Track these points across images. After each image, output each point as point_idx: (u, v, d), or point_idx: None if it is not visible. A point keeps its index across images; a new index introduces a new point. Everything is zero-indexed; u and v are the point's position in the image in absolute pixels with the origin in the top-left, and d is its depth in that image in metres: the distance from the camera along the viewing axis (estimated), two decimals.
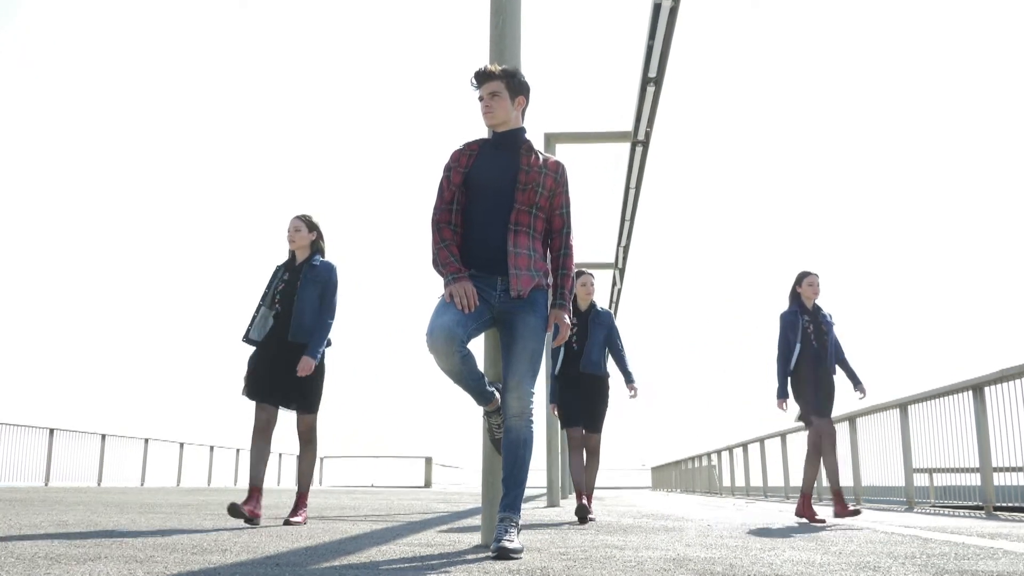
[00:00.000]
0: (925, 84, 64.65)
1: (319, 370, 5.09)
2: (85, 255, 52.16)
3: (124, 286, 55.32)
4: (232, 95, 62.76)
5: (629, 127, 11.49)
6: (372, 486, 30.29)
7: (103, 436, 19.09)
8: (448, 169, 3.37)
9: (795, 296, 6.46)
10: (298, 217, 5.27)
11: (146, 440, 20.95)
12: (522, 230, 3.27)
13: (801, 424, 6.51)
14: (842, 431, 11.02)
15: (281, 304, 5.07)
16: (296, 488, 5.38)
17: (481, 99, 3.37)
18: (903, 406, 10.00)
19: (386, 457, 32.76)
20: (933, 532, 4.83)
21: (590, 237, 16.76)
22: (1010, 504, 8.04)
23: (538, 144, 4.29)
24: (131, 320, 53.93)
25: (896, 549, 3.60)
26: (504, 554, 2.96)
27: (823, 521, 6.10)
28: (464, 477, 40.14)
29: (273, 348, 5.00)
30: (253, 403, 4.99)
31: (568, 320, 3.35)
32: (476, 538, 3.95)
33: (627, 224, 15.18)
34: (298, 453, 5.35)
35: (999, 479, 7.99)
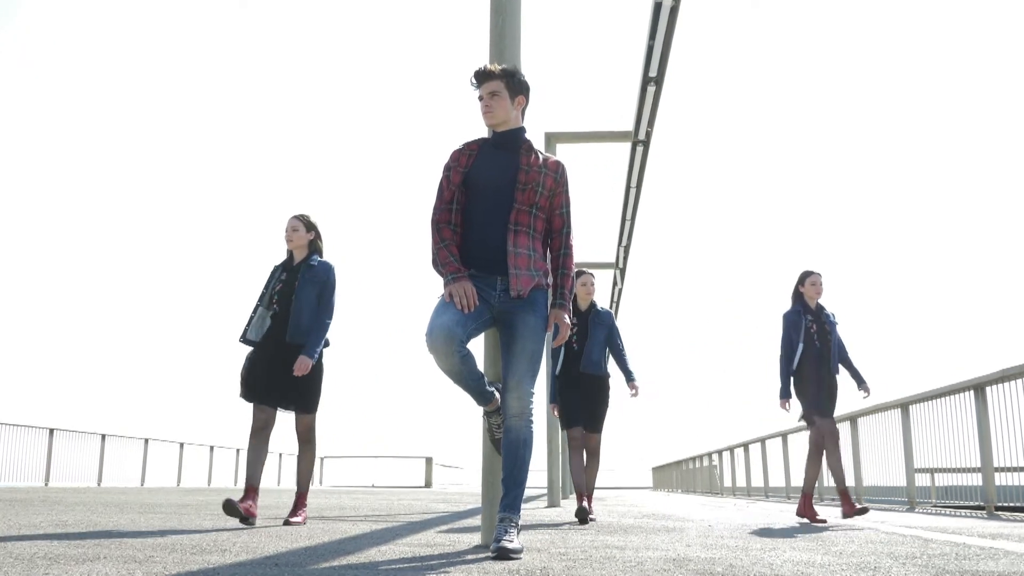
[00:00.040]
0: (926, 84, 64.67)
1: (317, 370, 5.07)
2: (85, 255, 52.21)
3: (124, 286, 55.37)
4: (232, 95, 62.80)
5: (630, 127, 11.48)
6: (372, 486, 30.30)
7: (103, 436, 19.07)
8: (448, 169, 3.36)
9: (798, 296, 6.44)
10: (296, 217, 5.25)
11: (146, 440, 20.94)
12: (522, 230, 3.26)
13: (803, 424, 6.50)
14: (843, 431, 11.00)
15: (279, 304, 5.04)
16: (296, 488, 5.37)
17: (481, 99, 3.35)
18: (904, 406, 9.98)
19: (386, 457, 32.77)
20: (934, 532, 4.82)
21: (591, 237, 16.77)
22: (1012, 504, 8.03)
23: (538, 144, 4.28)
24: (131, 320, 53.98)
25: (897, 549, 3.59)
26: (504, 554, 2.95)
27: (824, 521, 6.09)
28: (464, 477, 40.12)
29: (271, 349, 4.98)
30: (251, 404, 4.98)
31: (568, 320, 3.34)
32: (476, 538, 3.95)
33: (628, 224, 15.17)
34: (297, 453, 5.34)
35: (1000, 479, 7.98)
